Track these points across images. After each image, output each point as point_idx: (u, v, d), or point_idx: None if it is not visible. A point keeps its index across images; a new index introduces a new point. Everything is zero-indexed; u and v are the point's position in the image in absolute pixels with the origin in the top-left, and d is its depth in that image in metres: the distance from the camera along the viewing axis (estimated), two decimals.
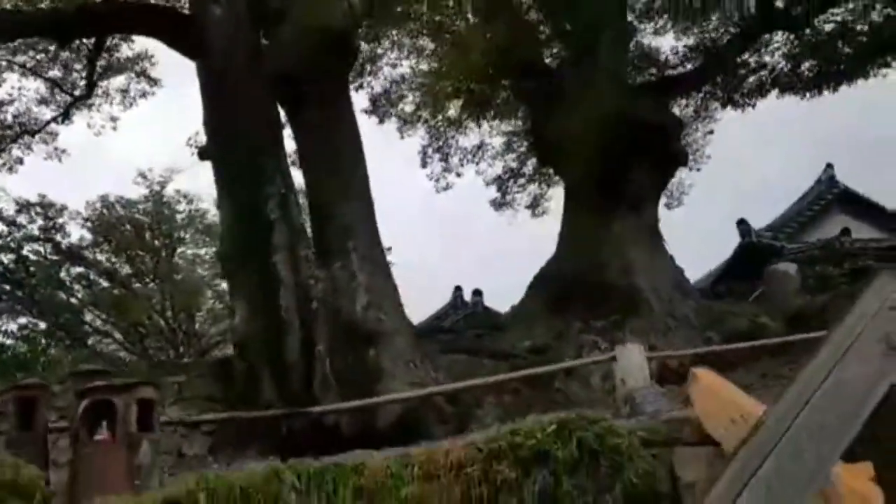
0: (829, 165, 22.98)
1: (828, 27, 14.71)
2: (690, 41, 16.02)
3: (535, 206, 22.72)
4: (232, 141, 10.60)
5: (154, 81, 18.85)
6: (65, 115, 17.86)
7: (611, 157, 12.89)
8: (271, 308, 9.94)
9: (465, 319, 21.18)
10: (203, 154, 11.48)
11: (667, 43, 16.45)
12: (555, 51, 15.14)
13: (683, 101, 17.21)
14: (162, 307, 26.15)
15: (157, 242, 28.95)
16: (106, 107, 18.66)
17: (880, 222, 21.24)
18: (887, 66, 14.80)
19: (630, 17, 15.63)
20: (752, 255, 19.61)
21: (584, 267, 12.26)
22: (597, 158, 13.03)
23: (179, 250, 31.47)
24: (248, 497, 3.84)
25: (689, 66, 16.10)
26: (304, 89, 11.34)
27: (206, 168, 11.29)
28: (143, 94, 19.05)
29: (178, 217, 30.59)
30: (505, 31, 14.75)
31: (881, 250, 16.63)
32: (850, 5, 14.26)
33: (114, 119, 19.11)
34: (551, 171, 22.86)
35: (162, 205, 29.13)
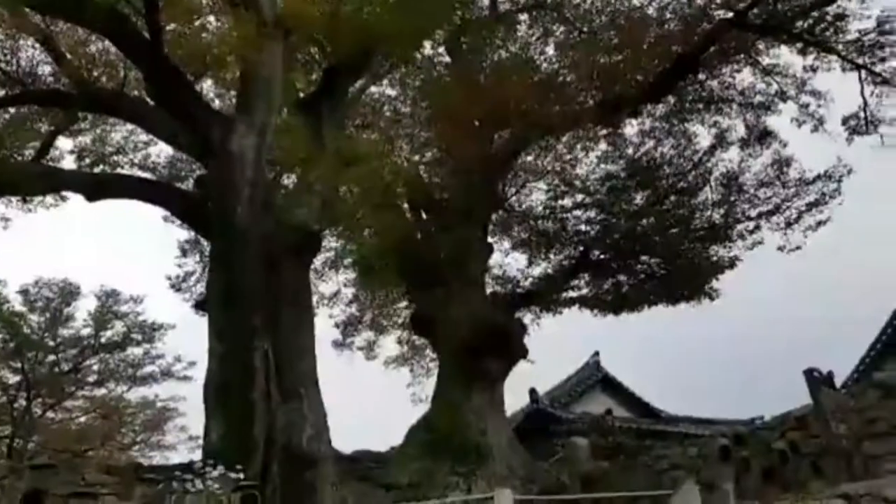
0: (597, 353, 29.66)
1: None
2: (538, 266, 22.01)
3: (369, 349, 27.10)
4: (231, 300, 14.02)
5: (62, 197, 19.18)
6: None
7: (472, 346, 17.81)
8: (245, 433, 13.31)
9: None
10: (199, 306, 14.68)
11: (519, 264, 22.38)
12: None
13: None
14: None
15: None
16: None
17: (631, 405, 28.02)
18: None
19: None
20: (539, 417, 25.39)
21: (453, 425, 16.81)
22: (462, 346, 17.91)
23: None
24: None
25: (532, 285, 21.88)
26: (282, 264, 15.12)
27: None
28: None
29: None
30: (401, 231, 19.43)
31: (636, 430, 23.02)
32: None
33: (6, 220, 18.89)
34: (385, 322, 27.55)
35: None
